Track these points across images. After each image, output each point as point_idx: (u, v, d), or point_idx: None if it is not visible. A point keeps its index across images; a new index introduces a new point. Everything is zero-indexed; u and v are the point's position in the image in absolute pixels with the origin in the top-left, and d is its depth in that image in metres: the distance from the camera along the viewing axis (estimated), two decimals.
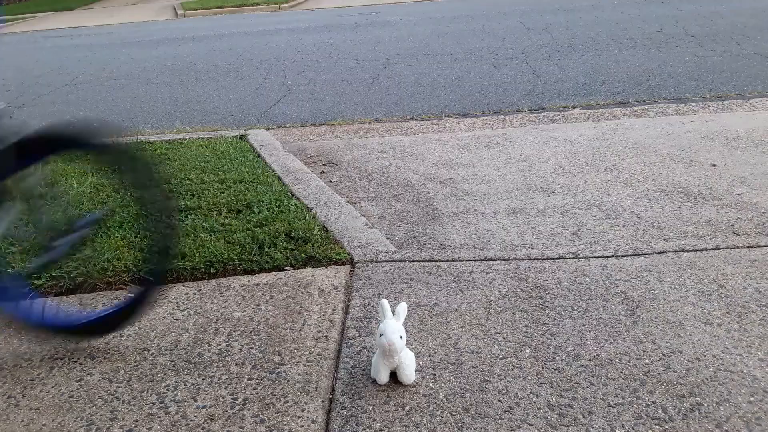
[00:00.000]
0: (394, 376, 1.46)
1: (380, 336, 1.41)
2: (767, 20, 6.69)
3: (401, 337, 1.41)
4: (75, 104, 5.63)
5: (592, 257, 2.01)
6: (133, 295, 1.63)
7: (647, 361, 1.49)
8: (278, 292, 1.91)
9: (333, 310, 1.79)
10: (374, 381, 1.47)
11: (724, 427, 1.28)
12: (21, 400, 1.51)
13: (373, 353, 1.51)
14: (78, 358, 1.66)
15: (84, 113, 5.19)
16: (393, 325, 1.41)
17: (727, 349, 1.52)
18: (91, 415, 1.43)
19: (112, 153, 1.56)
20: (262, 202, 2.59)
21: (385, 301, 1.47)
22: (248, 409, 1.41)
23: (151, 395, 1.49)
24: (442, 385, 1.45)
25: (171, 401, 1.46)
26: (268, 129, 4.08)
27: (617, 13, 8.11)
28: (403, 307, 1.48)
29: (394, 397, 1.42)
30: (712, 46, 5.70)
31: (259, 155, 3.32)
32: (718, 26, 6.51)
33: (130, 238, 2.31)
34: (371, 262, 2.08)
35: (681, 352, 1.52)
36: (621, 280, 1.86)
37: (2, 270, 1.82)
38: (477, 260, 2.05)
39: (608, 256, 2.01)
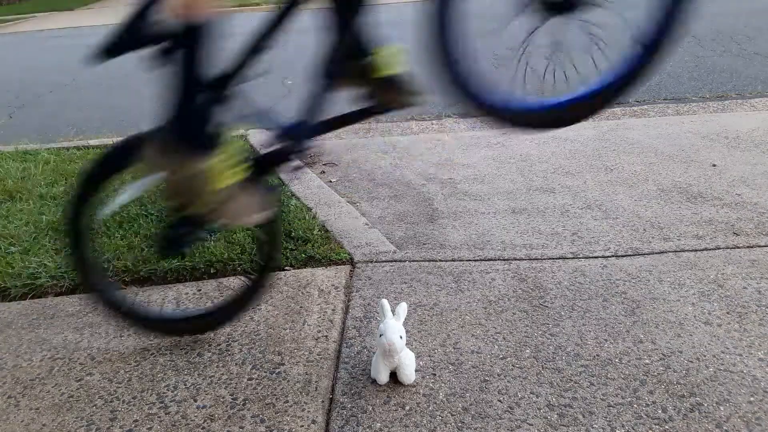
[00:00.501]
0: (394, 376, 1.46)
1: (380, 336, 1.41)
2: (767, 20, 6.69)
3: (401, 337, 1.41)
4: (75, 104, 5.63)
5: (592, 257, 2.01)
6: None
7: (647, 361, 1.49)
8: (278, 292, 1.91)
9: (333, 310, 1.79)
10: (374, 381, 1.47)
11: (724, 427, 1.28)
12: (21, 400, 1.51)
13: (373, 353, 1.51)
14: (78, 358, 1.66)
15: (85, 113, 5.19)
16: (393, 325, 1.42)
17: (727, 349, 1.52)
18: (91, 415, 1.43)
19: None
20: None
21: (385, 301, 1.47)
22: (248, 409, 1.41)
23: (151, 395, 1.49)
24: (442, 385, 1.45)
25: (171, 401, 1.46)
26: (268, 129, 4.07)
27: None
28: (403, 307, 1.48)
29: (394, 397, 1.42)
30: (712, 46, 5.70)
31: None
32: (718, 26, 6.51)
33: (130, 238, 2.32)
34: (371, 262, 2.08)
35: (681, 352, 1.52)
36: (621, 280, 1.86)
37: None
38: (477, 260, 2.05)
39: (608, 256, 2.01)
